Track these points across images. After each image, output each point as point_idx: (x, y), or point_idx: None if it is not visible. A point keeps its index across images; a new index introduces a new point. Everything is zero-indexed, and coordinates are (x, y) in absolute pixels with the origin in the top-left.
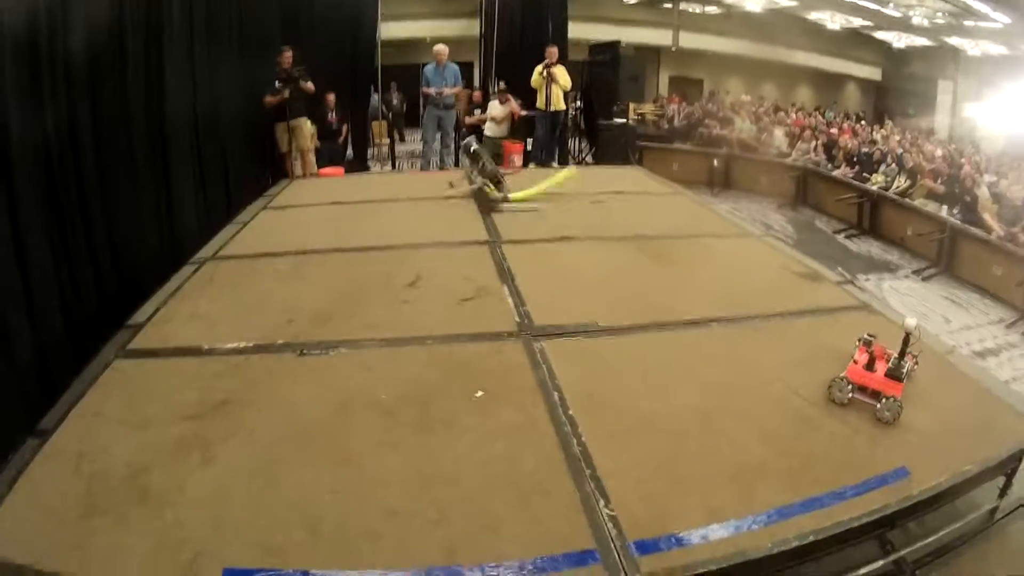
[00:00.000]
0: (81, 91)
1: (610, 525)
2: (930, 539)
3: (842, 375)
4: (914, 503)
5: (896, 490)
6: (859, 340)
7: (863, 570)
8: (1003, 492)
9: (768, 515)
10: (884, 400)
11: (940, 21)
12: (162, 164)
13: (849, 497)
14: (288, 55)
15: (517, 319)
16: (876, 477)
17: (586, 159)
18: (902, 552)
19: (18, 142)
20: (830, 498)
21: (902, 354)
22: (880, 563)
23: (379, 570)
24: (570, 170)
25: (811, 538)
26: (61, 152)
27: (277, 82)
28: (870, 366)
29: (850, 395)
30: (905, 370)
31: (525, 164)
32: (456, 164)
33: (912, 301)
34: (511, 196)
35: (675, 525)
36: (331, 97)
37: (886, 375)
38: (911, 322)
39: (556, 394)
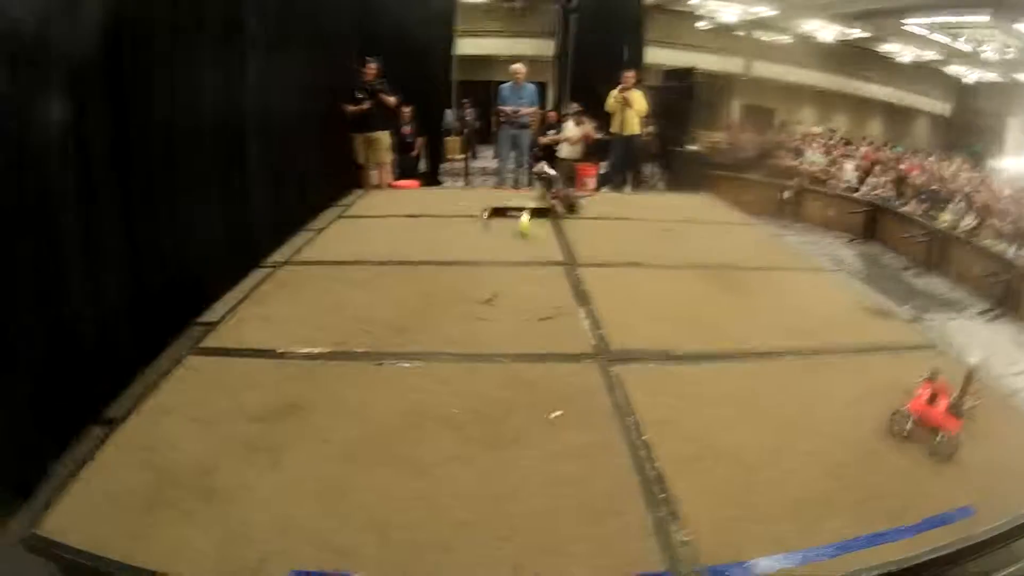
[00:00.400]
0: (160, 86)
1: (683, 550)
2: None
3: (904, 407)
4: (978, 543)
5: (960, 528)
6: (923, 375)
7: None
8: None
9: (834, 547)
10: (941, 436)
11: (1011, 56)
12: (237, 164)
13: (913, 534)
14: (372, 67)
15: (593, 342)
16: (941, 515)
17: (658, 185)
18: None
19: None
20: (894, 534)
21: (964, 391)
22: None
23: None
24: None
25: (875, 572)
26: (134, 146)
27: (359, 93)
28: (932, 401)
29: (909, 427)
30: (965, 407)
31: (598, 187)
32: (530, 183)
33: (975, 342)
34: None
35: (745, 553)
36: (407, 110)
37: (947, 410)
38: (974, 360)
39: (631, 418)
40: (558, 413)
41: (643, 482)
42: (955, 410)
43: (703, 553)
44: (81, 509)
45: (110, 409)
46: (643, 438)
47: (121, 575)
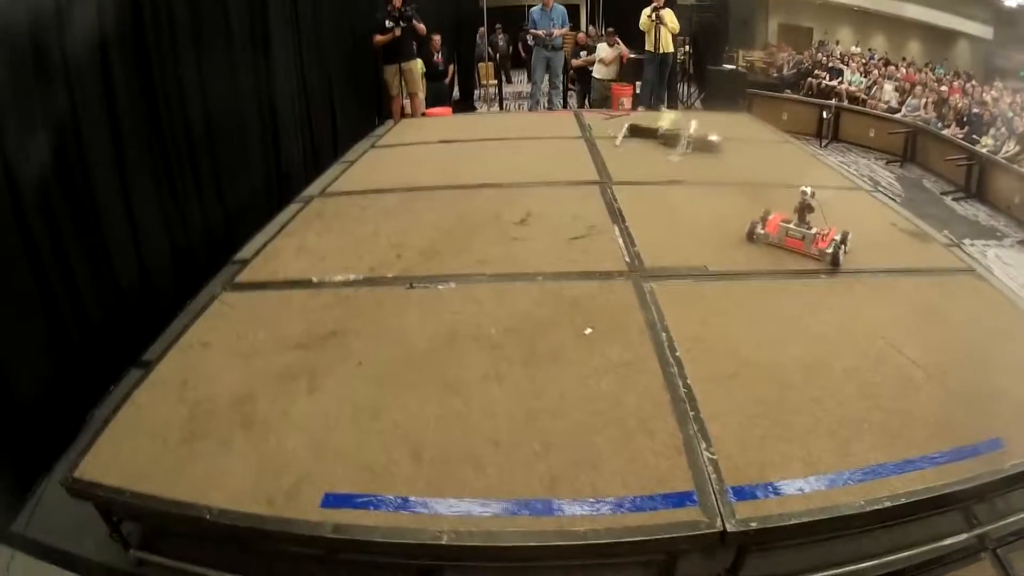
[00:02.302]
0: (185, 36)
1: (710, 469)
2: (1016, 517)
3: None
4: (1005, 477)
5: (989, 461)
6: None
7: (947, 541)
8: None
9: (863, 472)
10: (756, 223)
11: None
12: (268, 102)
13: (942, 463)
14: None
15: (627, 259)
16: (970, 446)
17: (695, 104)
18: (987, 528)
19: (123, 80)
20: (924, 461)
21: (800, 217)
22: (964, 536)
23: (480, 498)
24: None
25: (903, 500)
26: (167, 91)
27: (388, 21)
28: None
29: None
30: (794, 227)
31: (634, 107)
32: (564, 105)
33: (1016, 271)
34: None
35: (772, 474)
36: (437, 38)
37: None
38: (806, 190)
39: (664, 335)
40: (589, 330)
41: (674, 400)
42: (785, 225)
43: (730, 472)
44: (119, 448)
45: (147, 351)
46: (676, 355)
47: (160, 509)
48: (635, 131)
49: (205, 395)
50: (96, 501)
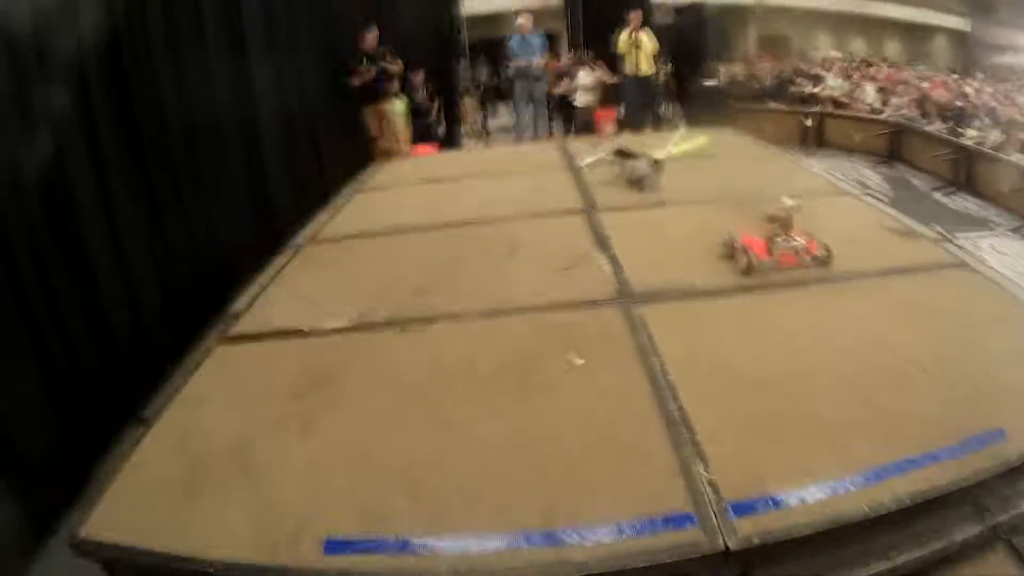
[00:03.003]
0: (167, 78)
1: (708, 489)
2: None
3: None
4: (1011, 466)
5: (992, 453)
6: (767, 219)
7: (958, 536)
8: None
9: (864, 476)
10: (749, 251)
11: None
12: (254, 148)
13: (944, 459)
14: (372, 35)
15: (616, 286)
16: (972, 438)
17: (678, 123)
18: (999, 518)
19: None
20: (925, 459)
21: (785, 230)
22: (976, 529)
23: (478, 534)
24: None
25: (907, 500)
26: (152, 137)
27: (363, 62)
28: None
29: (730, 252)
30: (788, 244)
31: (618, 132)
32: (550, 134)
33: (1011, 260)
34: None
35: (772, 486)
36: (419, 76)
37: (766, 240)
38: (788, 202)
39: (655, 358)
40: (580, 360)
41: (668, 423)
42: (770, 242)
43: (728, 489)
44: (123, 506)
45: (147, 408)
46: (668, 378)
47: (166, 566)
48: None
49: (204, 448)
50: (102, 560)
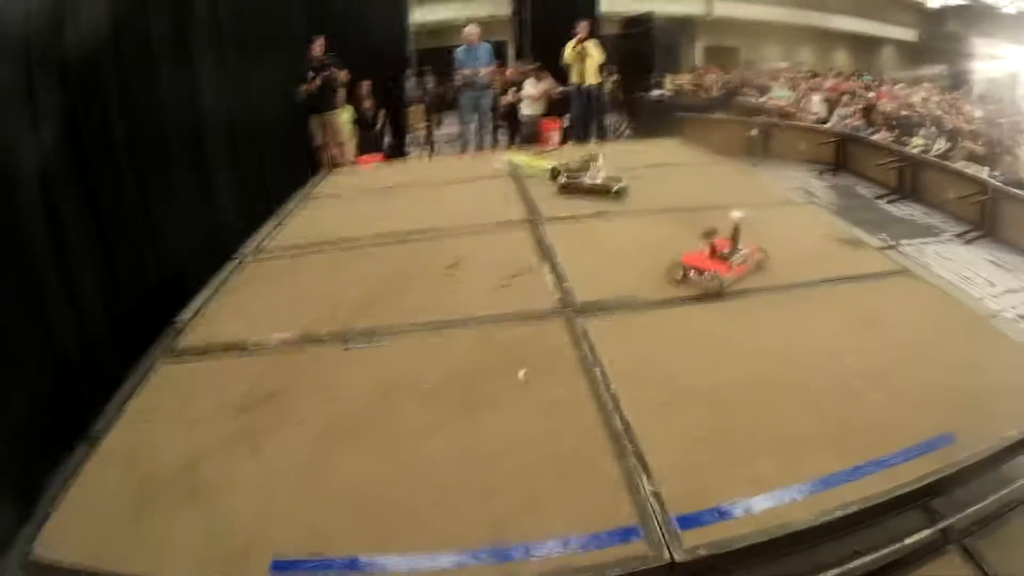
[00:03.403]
0: (110, 90)
1: (653, 501)
2: (977, 507)
3: (679, 259)
4: (960, 469)
5: (941, 457)
6: (703, 235)
7: (909, 540)
8: None
9: (812, 484)
10: (708, 274)
11: None
12: (199, 160)
13: (893, 464)
14: (319, 44)
15: (558, 296)
16: (921, 444)
17: (625, 133)
18: (949, 520)
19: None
20: (873, 466)
21: (735, 242)
22: (927, 532)
23: (426, 552)
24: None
25: (855, 507)
26: (96, 152)
27: (309, 72)
28: (712, 254)
29: (681, 274)
30: (739, 255)
31: (563, 141)
32: (495, 144)
33: (955, 265)
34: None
35: (717, 498)
36: (365, 85)
37: (714, 256)
38: (736, 214)
39: (598, 370)
40: (523, 372)
41: (611, 435)
42: (724, 257)
43: (673, 502)
44: (71, 526)
45: (94, 425)
46: (611, 390)
47: None
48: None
49: (152, 466)
50: None
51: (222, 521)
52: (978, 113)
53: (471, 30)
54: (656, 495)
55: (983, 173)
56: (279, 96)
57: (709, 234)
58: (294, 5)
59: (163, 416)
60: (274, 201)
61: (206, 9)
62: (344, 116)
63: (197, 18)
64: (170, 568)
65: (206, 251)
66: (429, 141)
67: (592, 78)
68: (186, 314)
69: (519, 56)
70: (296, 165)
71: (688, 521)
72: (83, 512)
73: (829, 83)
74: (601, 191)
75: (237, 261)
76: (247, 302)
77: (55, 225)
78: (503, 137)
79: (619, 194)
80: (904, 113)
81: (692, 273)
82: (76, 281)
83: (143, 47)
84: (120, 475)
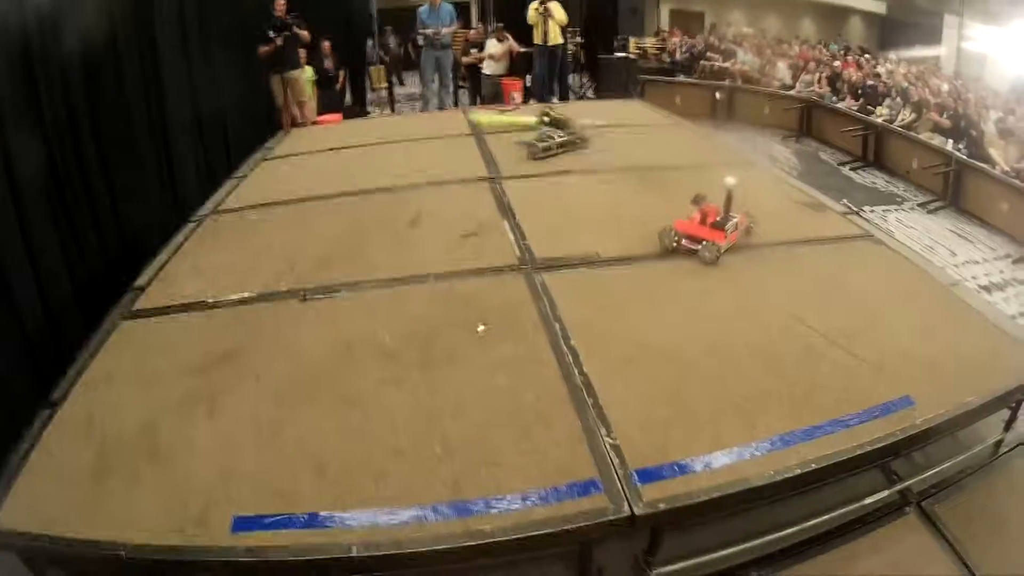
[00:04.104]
0: (75, 62)
1: (612, 455)
2: (935, 470)
3: (671, 226)
4: (917, 432)
5: (900, 419)
6: (692, 200)
7: (868, 500)
8: (1008, 425)
9: (771, 442)
10: (704, 243)
11: None
12: (159, 122)
13: (852, 425)
14: (281, 2)
15: (518, 253)
16: (880, 406)
17: (587, 94)
18: (907, 483)
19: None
20: (833, 426)
21: (727, 210)
22: (885, 493)
23: (386, 507)
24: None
25: (812, 466)
26: (57, 121)
27: (271, 31)
28: (703, 221)
29: (675, 242)
30: (731, 223)
31: (525, 100)
32: (455, 104)
33: (916, 233)
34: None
35: (677, 453)
36: (327, 44)
37: (710, 225)
38: (730, 180)
39: (558, 325)
40: (482, 327)
41: (571, 389)
42: (718, 224)
43: (633, 456)
44: (33, 494)
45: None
46: (571, 344)
47: (78, 552)
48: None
49: (111, 430)
50: (18, 551)
51: (182, 482)
52: (945, 87)
53: None
54: (616, 448)
55: (948, 145)
56: (241, 54)
57: (698, 200)
58: None
59: (121, 378)
60: (235, 159)
61: None
62: (305, 75)
63: None
64: (131, 531)
65: (167, 214)
66: (390, 101)
67: (555, 39)
68: (144, 278)
69: (482, 17)
70: (258, 123)
71: (648, 475)
72: (45, 479)
73: (795, 50)
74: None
75: (196, 222)
76: (206, 261)
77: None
78: (465, 97)
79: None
80: (870, 83)
81: (685, 241)
82: (37, 254)
83: (103, 19)
84: (79, 441)
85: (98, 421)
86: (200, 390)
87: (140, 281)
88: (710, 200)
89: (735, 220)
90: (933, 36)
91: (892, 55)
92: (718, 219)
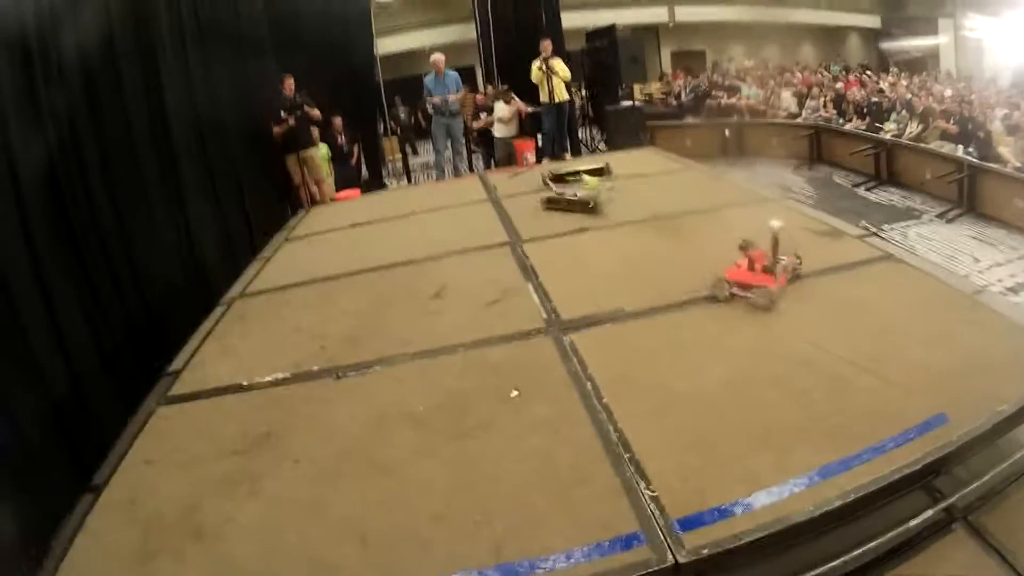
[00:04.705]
0: (84, 123)
1: (652, 506)
2: (977, 483)
3: (722, 275)
4: (955, 449)
5: (935, 437)
6: (740, 247)
7: (914, 522)
8: None
9: (808, 477)
10: (755, 289)
11: None
12: (178, 202)
13: (889, 450)
14: (290, 82)
15: (544, 315)
16: (914, 427)
17: (599, 147)
18: (951, 499)
19: (32, 191)
20: (869, 453)
21: (775, 253)
22: (930, 512)
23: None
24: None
25: (852, 496)
26: (72, 184)
27: (282, 111)
28: (751, 267)
29: (728, 292)
30: (780, 266)
31: (538, 160)
32: (470, 169)
33: (938, 245)
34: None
35: (716, 498)
36: (337, 120)
37: (761, 270)
38: (775, 224)
39: (589, 384)
40: (515, 393)
41: (607, 445)
42: (768, 269)
43: (673, 505)
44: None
45: (96, 474)
46: (603, 401)
47: None
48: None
49: (154, 512)
50: None
51: (226, 563)
52: (948, 92)
53: (438, 57)
54: (655, 499)
55: (958, 151)
56: (255, 134)
57: (745, 246)
58: (257, 31)
59: (162, 461)
60: (255, 240)
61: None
62: (320, 152)
63: (168, 61)
64: None
65: (190, 288)
66: (405, 171)
67: (560, 95)
68: (178, 360)
69: (487, 80)
70: (276, 203)
71: (689, 523)
72: (90, 561)
73: (797, 78)
74: (580, 205)
75: (224, 304)
76: (237, 344)
77: (38, 272)
78: (479, 161)
79: (595, 208)
80: (874, 100)
81: (737, 289)
82: (62, 328)
83: (117, 86)
84: (124, 523)
85: (141, 503)
86: (240, 471)
87: (175, 365)
88: (754, 246)
89: (784, 262)
90: (930, 38)
91: (892, 68)
92: (767, 264)
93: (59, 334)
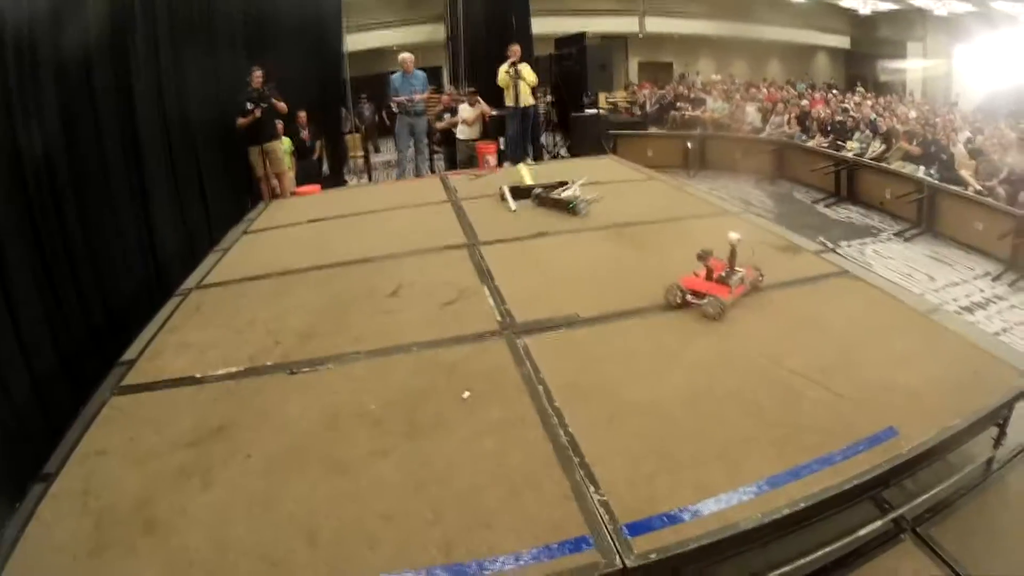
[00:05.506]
0: (53, 122)
1: (601, 510)
2: (927, 495)
3: (677, 282)
4: (904, 461)
5: (884, 451)
6: (698, 256)
7: (862, 531)
8: (997, 442)
9: (757, 486)
10: (708, 298)
11: None
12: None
13: (838, 462)
14: (258, 74)
15: (499, 318)
16: (864, 439)
17: (561, 152)
18: (900, 511)
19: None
20: (818, 464)
21: (731, 264)
22: (879, 523)
23: (380, 573)
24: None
25: (800, 504)
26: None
27: (248, 103)
28: (708, 276)
29: (680, 298)
30: (736, 277)
31: (500, 163)
32: (432, 170)
33: (895, 263)
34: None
35: (665, 504)
36: (302, 115)
37: (715, 280)
38: (734, 236)
39: (541, 387)
40: (467, 394)
41: (558, 449)
42: (722, 280)
43: (622, 510)
44: (30, 567)
45: (46, 462)
46: (555, 405)
47: None
48: (516, 193)
49: (107, 503)
50: None
51: (179, 554)
52: (912, 114)
53: (406, 56)
54: (604, 504)
55: (919, 172)
56: (219, 126)
57: (704, 256)
58: (230, 25)
59: (115, 452)
60: (215, 230)
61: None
62: (283, 146)
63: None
64: None
65: (150, 281)
66: (367, 168)
67: (526, 100)
68: (132, 352)
69: (453, 81)
70: (236, 195)
71: (638, 528)
72: (42, 553)
73: (763, 93)
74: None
75: (180, 296)
76: (192, 336)
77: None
78: (440, 162)
79: (574, 210)
80: (839, 118)
81: (690, 296)
82: (20, 326)
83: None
84: (75, 514)
85: (94, 494)
86: (193, 464)
87: (128, 355)
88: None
89: (740, 274)
90: (898, 61)
91: (859, 88)
92: (723, 274)
93: (17, 337)
